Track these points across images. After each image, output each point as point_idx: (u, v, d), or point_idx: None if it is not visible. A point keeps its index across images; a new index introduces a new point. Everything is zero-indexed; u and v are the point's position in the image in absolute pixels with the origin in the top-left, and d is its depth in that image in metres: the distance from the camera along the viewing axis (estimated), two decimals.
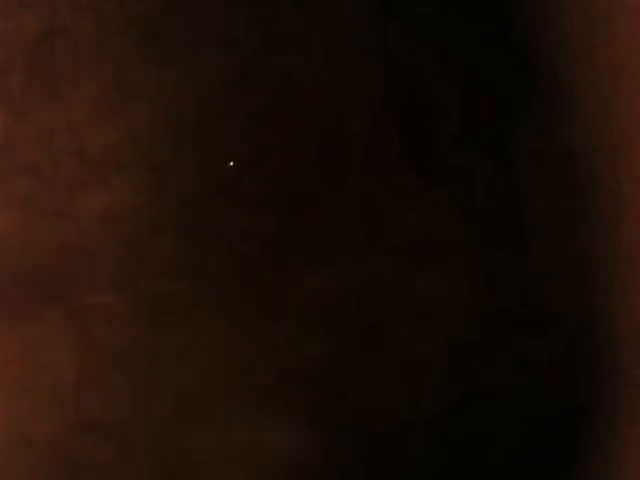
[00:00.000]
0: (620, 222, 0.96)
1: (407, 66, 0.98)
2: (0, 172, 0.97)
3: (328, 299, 0.98)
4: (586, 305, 0.97)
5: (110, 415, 0.96)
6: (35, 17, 0.97)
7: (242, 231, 0.97)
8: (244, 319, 0.98)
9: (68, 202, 0.97)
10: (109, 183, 0.97)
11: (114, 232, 0.96)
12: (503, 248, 0.99)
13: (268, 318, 0.97)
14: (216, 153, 0.98)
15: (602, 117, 0.95)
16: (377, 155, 0.99)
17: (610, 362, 0.98)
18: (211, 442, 0.97)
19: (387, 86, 0.99)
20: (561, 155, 0.97)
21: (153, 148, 0.97)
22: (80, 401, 0.96)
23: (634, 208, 0.96)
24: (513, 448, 0.98)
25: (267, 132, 0.98)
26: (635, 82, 0.90)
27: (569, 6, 0.97)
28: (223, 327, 0.97)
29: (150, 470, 0.97)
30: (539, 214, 0.99)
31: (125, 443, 0.96)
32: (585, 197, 0.97)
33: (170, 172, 0.97)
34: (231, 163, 0.93)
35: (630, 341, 0.97)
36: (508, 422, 0.98)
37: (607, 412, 0.97)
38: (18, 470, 0.96)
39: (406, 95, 0.99)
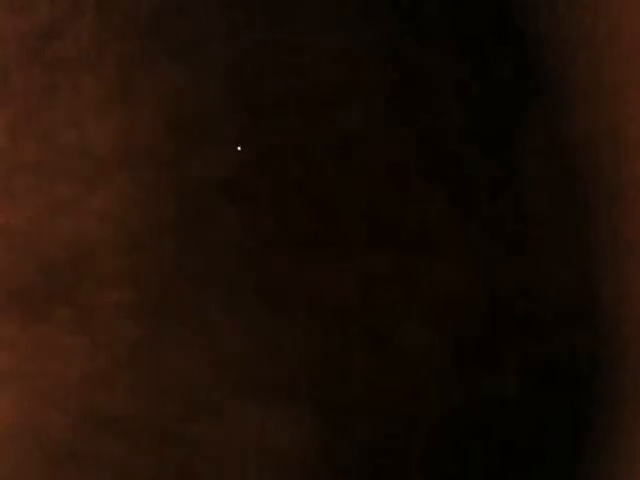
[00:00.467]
0: (622, 215, 0.96)
1: (411, 64, 0.99)
2: (4, 170, 0.96)
3: (331, 295, 0.98)
4: (588, 300, 0.97)
5: (118, 412, 0.96)
6: (37, 15, 0.97)
7: (245, 228, 0.97)
8: (249, 315, 0.97)
9: (72, 200, 0.97)
10: (113, 180, 0.97)
11: (118, 230, 0.96)
12: (504, 244, 0.99)
13: (273, 314, 0.97)
14: (219, 149, 0.98)
15: (604, 112, 0.96)
16: (380, 152, 0.99)
17: (614, 356, 0.98)
18: (219, 437, 0.97)
19: (390, 83, 0.99)
20: (562, 151, 0.98)
21: (156, 145, 0.97)
22: (88, 398, 0.96)
23: (636, 203, 0.96)
24: (518, 447, 0.98)
25: (270, 129, 0.98)
26: (637, 76, 0.90)
27: (571, 1, 0.98)
28: (229, 323, 0.97)
29: (158, 465, 0.96)
30: (540, 210, 0.99)
31: (133, 439, 0.96)
32: (586, 192, 0.97)
33: (173, 169, 0.97)
34: (239, 148, 0.93)
35: (634, 334, 0.97)
36: (512, 421, 0.98)
37: (613, 407, 0.97)
38: (26, 465, 0.96)
39: (410, 93, 0.99)
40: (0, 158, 0.96)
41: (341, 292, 0.98)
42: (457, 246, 0.99)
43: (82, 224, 0.96)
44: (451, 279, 0.98)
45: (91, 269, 0.96)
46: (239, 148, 0.95)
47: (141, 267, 0.96)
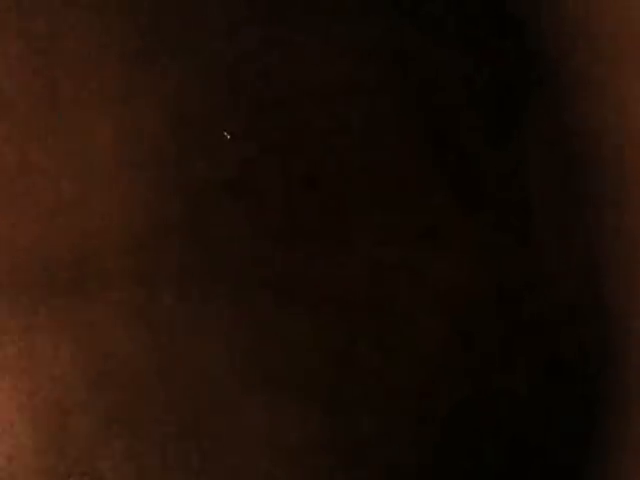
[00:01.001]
0: (627, 209, 0.96)
1: (415, 59, 0.99)
2: (7, 171, 0.97)
3: (338, 289, 0.98)
4: (592, 293, 0.97)
5: (122, 411, 0.96)
6: (39, 15, 0.97)
7: (250, 224, 0.97)
8: (256, 311, 0.97)
9: (75, 200, 0.97)
10: (116, 180, 0.97)
11: (123, 229, 0.96)
12: (509, 236, 0.99)
13: (280, 309, 0.97)
14: (222, 147, 0.98)
15: (604, 102, 0.95)
16: (384, 146, 0.99)
17: (618, 351, 0.97)
18: (223, 430, 0.97)
19: (393, 78, 0.99)
20: (567, 142, 0.97)
21: (159, 144, 0.97)
22: (90, 397, 0.96)
23: (637, 193, 0.96)
24: (526, 444, 0.98)
25: (272, 126, 0.98)
26: (635, 67, 0.90)
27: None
28: (235, 318, 0.97)
29: (166, 461, 0.96)
30: (545, 199, 0.99)
31: (138, 437, 0.96)
32: (591, 184, 0.97)
33: (177, 167, 0.97)
34: (228, 136, 0.93)
35: (638, 329, 0.97)
36: (520, 417, 0.98)
37: (620, 404, 0.97)
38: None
39: (413, 88, 0.99)
40: (2, 159, 0.96)
41: (348, 286, 0.98)
42: (463, 239, 0.99)
43: (85, 224, 0.96)
44: (457, 272, 0.98)
45: (95, 269, 0.96)
46: (228, 136, 0.95)
47: (146, 266, 0.96)
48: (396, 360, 0.98)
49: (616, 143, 0.97)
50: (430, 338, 0.98)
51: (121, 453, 0.96)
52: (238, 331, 0.97)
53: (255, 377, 0.97)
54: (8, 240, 0.96)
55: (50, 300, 0.96)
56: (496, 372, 0.98)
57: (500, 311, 0.98)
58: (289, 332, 0.97)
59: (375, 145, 0.99)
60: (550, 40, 0.98)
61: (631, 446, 0.95)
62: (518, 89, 0.99)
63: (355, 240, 0.98)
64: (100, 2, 0.98)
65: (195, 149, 0.97)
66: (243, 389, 0.97)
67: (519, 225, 0.99)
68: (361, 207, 0.98)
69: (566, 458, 0.98)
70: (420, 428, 0.98)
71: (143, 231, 0.97)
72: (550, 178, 0.99)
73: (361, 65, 0.99)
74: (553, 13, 0.98)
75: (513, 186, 0.99)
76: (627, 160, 0.96)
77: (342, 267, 0.98)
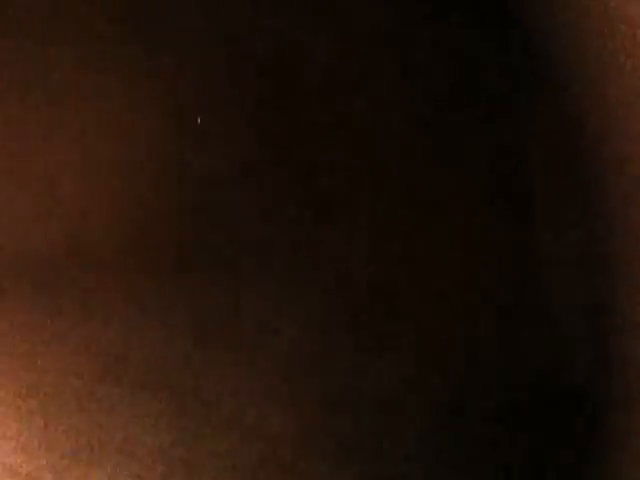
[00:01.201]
0: (625, 205, 0.96)
1: (420, 48, 0.99)
2: (5, 167, 0.97)
3: (338, 286, 0.98)
4: (592, 292, 0.97)
5: (121, 407, 0.96)
6: (37, 14, 0.98)
7: (251, 219, 0.98)
8: (255, 307, 0.98)
9: (74, 196, 0.97)
10: (115, 177, 0.97)
11: (123, 225, 0.97)
12: (509, 235, 0.99)
13: (280, 306, 0.97)
14: (220, 139, 0.98)
15: (604, 102, 0.95)
16: (386, 141, 0.99)
17: (619, 350, 0.97)
18: (223, 423, 0.97)
19: (397, 67, 0.99)
20: (565, 140, 0.97)
21: (158, 141, 0.98)
22: (83, 395, 0.96)
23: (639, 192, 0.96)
24: (526, 444, 0.98)
25: (272, 120, 0.98)
26: (635, 64, 0.90)
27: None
28: (235, 312, 0.97)
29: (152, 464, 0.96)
30: (545, 199, 0.98)
31: (133, 434, 0.96)
32: (590, 181, 0.97)
33: (176, 164, 0.97)
34: (199, 120, 0.93)
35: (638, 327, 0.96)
36: (519, 418, 0.98)
37: (619, 404, 0.97)
38: None
39: (413, 81, 0.99)
40: (0, 154, 0.97)
41: (347, 284, 0.98)
42: (463, 238, 0.99)
43: (84, 221, 0.97)
44: (457, 272, 0.98)
45: (95, 266, 0.96)
46: (199, 121, 0.95)
47: (146, 262, 0.97)
48: (396, 360, 0.98)
49: (616, 142, 0.97)
50: (430, 338, 0.98)
51: (118, 450, 0.96)
52: (237, 325, 0.97)
53: (253, 370, 0.97)
54: (7, 239, 0.96)
55: (50, 298, 0.96)
56: (496, 372, 0.98)
57: (500, 311, 0.98)
58: (289, 330, 0.97)
59: (376, 140, 0.99)
60: (550, 39, 0.98)
61: (631, 446, 0.95)
62: (519, 88, 0.99)
63: (355, 237, 0.98)
64: (100, 2, 0.98)
65: (194, 146, 0.98)
66: (241, 383, 0.97)
67: (519, 224, 0.99)
68: (361, 203, 0.98)
69: (566, 458, 0.97)
70: (420, 428, 0.97)
71: (142, 228, 0.97)
72: (550, 177, 0.99)
73: (368, 54, 0.99)
74: (553, 12, 0.98)
75: (513, 185, 0.99)
76: (628, 159, 0.96)
77: (342, 265, 0.98)
